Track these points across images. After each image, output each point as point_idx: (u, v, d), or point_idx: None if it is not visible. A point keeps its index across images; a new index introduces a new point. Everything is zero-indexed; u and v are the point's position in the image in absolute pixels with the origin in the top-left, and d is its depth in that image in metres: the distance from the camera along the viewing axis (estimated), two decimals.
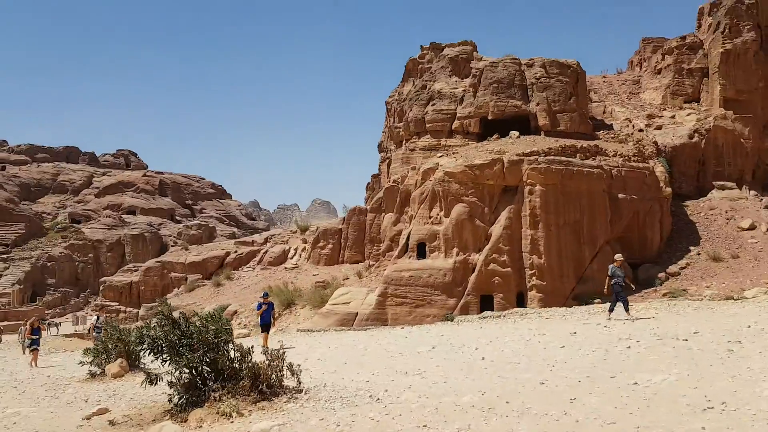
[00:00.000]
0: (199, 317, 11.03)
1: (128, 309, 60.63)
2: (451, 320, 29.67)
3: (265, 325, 18.59)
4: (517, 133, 45.69)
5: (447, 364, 11.56)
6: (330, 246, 56.97)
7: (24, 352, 27.55)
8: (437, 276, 36.36)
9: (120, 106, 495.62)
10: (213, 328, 10.67)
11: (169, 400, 10.75)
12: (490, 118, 48.48)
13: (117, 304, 62.24)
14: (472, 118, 49.48)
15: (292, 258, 62.99)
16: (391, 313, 36.21)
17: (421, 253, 38.66)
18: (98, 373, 16.06)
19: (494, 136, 46.76)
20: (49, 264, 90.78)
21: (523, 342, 13.87)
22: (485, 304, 35.32)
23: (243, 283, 59.52)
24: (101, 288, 67.48)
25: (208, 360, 10.74)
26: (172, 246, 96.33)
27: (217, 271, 63.64)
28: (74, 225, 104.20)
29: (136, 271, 66.33)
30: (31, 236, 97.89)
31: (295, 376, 10.03)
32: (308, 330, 30.04)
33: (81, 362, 16.33)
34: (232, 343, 10.58)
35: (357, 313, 36.91)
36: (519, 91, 48.55)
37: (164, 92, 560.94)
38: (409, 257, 38.89)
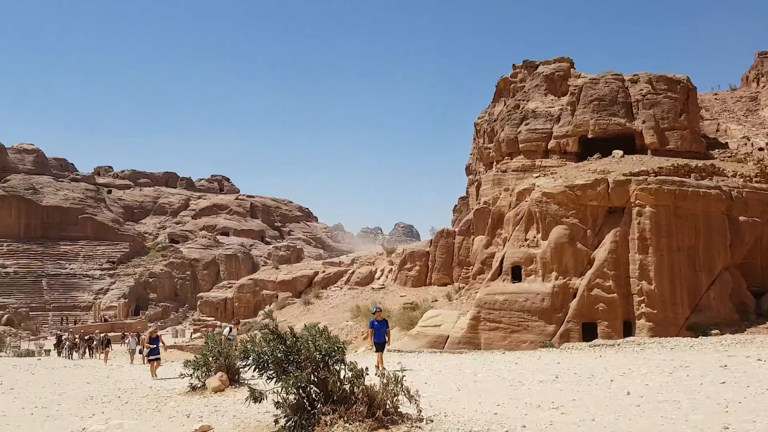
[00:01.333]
0: (309, 332, 10.24)
1: (223, 324, 61.87)
2: (552, 347, 27.82)
3: (379, 344, 17.15)
4: (621, 153, 43.29)
5: (585, 398, 10.21)
6: (417, 268, 56.13)
7: (132, 362, 28.04)
8: (534, 301, 34.57)
9: (214, 133, 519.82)
10: (325, 345, 9.84)
11: (275, 422, 10.00)
12: (590, 136, 46.32)
13: (213, 318, 63.78)
14: (570, 137, 47.45)
15: (378, 279, 62.55)
16: (484, 337, 34.72)
17: (516, 276, 37.00)
18: (198, 386, 15.67)
19: (595, 156, 44.52)
20: (150, 280, 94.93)
21: (666, 375, 12.27)
22: (587, 332, 33.15)
23: (331, 302, 59.52)
24: (198, 303, 69.53)
25: (316, 380, 9.91)
26: (263, 266, 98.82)
27: (306, 289, 64.10)
28: (173, 244, 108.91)
29: (230, 287, 67.87)
30: (135, 254, 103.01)
31: (414, 402, 9.02)
32: (398, 350, 29.00)
33: (182, 374, 15.99)
34: (344, 362, 9.70)
35: (448, 336, 35.65)
36: (622, 108, 46.12)
37: (256, 119, 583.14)
38: (503, 280, 37.28)
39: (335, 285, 63.63)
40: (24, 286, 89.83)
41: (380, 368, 15.75)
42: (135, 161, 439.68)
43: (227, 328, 20.25)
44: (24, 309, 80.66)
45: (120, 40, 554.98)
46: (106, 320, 77.64)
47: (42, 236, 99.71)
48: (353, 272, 63.74)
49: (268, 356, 10.08)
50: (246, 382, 16.19)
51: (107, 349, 30.99)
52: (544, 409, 9.49)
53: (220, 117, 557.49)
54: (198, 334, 60.93)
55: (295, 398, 9.91)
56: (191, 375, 15.83)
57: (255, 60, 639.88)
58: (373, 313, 17.79)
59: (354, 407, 9.23)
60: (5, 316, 67.74)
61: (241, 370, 16.49)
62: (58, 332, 49.74)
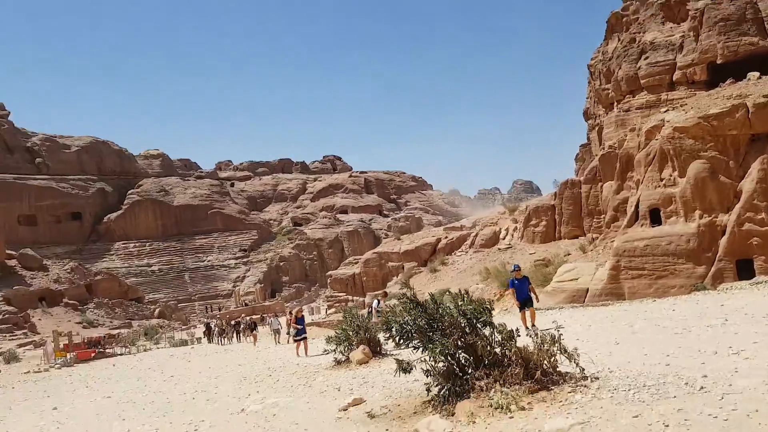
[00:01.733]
0: (451, 298, 9.86)
1: (354, 298, 63.64)
2: (705, 289, 25.75)
3: (525, 301, 16.43)
4: (757, 74, 39.03)
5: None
6: (543, 223, 54.35)
7: (276, 342, 29.07)
8: (679, 243, 32.22)
9: (322, 114, 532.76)
10: (470, 308, 9.38)
11: (427, 390, 9.72)
12: (719, 62, 42.21)
13: (344, 294, 65.68)
14: (697, 65, 43.50)
15: (504, 239, 61.29)
16: (627, 286, 32.91)
17: (655, 219, 34.68)
18: (343, 360, 15.87)
19: (727, 81, 40.49)
20: (281, 264, 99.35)
21: None
22: (742, 269, 30.43)
23: (458, 267, 59.20)
24: (329, 281, 71.90)
25: (464, 345, 9.49)
26: (384, 238, 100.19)
27: (430, 257, 64.21)
28: (297, 227, 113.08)
29: (356, 263, 69.42)
30: (263, 241, 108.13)
31: (573, 361, 8.35)
32: (536, 309, 28.01)
33: (325, 350, 16.24)
34: (492, 325, 9.19)
35: (587, 289, 34.15)
36: (753, 26, 41.57)
37: (360, 93, 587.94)
38: (641, 225, 35.07)
39: (460, 250, 63.25)
40: (169, 281, 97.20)
41: (530, 326, 15.10)
42: (251, 152, 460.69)
43: (375, 301, 20.27)
44: (172, 302, 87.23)
45: (221, 36, 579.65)
46: (246, 305, 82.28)
47: (178, 233, 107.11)
48: (476, 235, 62.96)
49: (411, 326, 9.80)
50: (388, 353, 16.22)
51: (254, 332, 32.38)
52: (722, 355, 8.48)
53: (326, 96, 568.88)
54: (332, 309, 62.96)
55: (444, 366, 9.57)
56: (334, 350, 16.06)
57: (352, 31, 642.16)
58: (512, 272, 17.08)
59: (509, 370, 8.72)
60: (157, 310, 73.54)
61: (382, 341, 16.53)
62: (206, 320, 53.07)
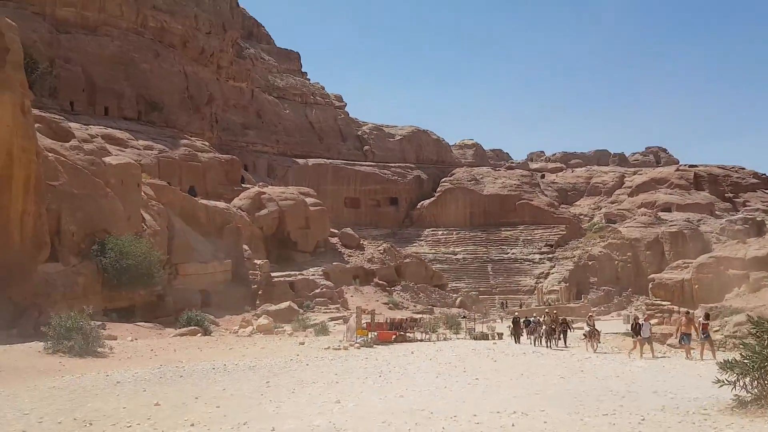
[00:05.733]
0: None
1: (681, 309, 53.52)
2: None
3: None
4: None
5: None
6: None
7: (644, 354, 22.12)
8: None
9: (646, 104, 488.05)
10: None
11: None
12: None
13: (668, 303, 55.77)
14: None
15: None
16: None
17: None
18: (749, 400, 9.69)
19: None
20: (590, 263, 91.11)
21: None
22: None
23: None
24: (650, 285, 62.43)
25: None
26: (714, 242, 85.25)
27: None
28: (610, 224, 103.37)
29: (686, 267, 58.66)
30: (572, 237, 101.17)
31: None
32: None
33: (719, 381, 10.20)
34: None
35: None
36: None
37: (690, 84, 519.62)
38: None
39: None
40: (472, 271, 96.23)
41: None
42: (565, 143, 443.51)
43: None
44: (474, 292, 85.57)
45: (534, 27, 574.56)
46: (549, 304, 76.39)
47: (484, 223, 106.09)
48: None
49: None
50: None
51: (637, 337, 22.79)
52: None
53: (649, 82, 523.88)
54: (655, 320, 53.69)
55: None
56: (734, 383, 9.95)
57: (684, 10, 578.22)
58: None
59: None
60: (459, 299, 72.03)
61: None
62: (516, 315, 48.07)
